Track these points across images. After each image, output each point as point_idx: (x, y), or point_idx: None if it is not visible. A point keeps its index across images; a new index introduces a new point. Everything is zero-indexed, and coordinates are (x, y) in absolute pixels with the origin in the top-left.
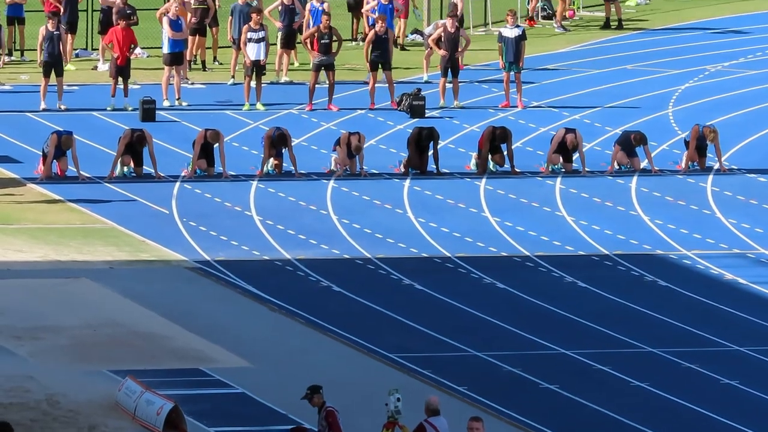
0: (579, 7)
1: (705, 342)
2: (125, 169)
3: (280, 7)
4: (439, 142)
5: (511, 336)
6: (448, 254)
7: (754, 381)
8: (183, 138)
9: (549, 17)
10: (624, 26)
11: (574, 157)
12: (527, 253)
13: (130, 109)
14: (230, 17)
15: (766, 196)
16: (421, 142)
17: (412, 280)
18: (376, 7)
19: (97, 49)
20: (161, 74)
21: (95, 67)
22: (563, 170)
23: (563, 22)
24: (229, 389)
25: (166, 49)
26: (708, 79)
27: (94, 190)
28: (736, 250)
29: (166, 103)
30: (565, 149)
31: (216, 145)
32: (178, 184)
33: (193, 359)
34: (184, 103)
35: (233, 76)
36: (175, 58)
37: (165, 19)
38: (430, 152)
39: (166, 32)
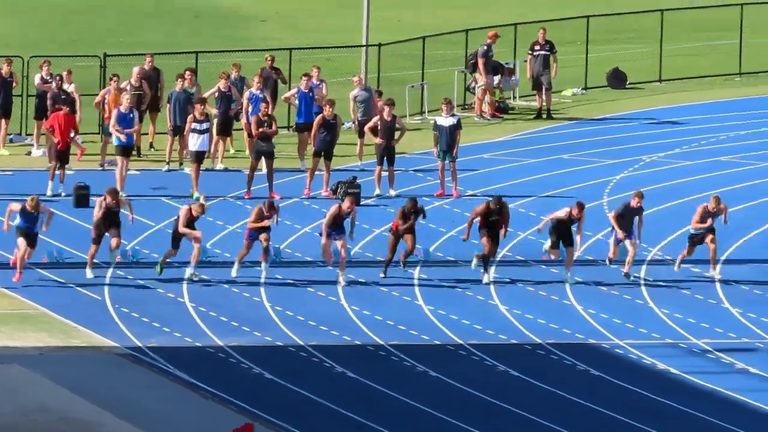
0: (515, 97)
1: (637, 431)
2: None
3: (216, 94)
4: (374, 229)
5: (443, 425)
6: (381, 342)
7: None
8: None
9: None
10: (554, 116)
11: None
12: (460, 342)
13: (63, 195)
14: (168, 104)
15: (698, 286)
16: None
17: (345, 368)
18: (296, 95)
19: (32, 134)
20: (95, 159)
21: (29, 153)
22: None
23: (484, 112)
24: None
25: (116, 141)
26: (643, 169)
27: (26, 276)
28: (669, 340)
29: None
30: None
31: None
32: (110, 270)
33: None
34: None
35: (168, 163)
36: (127, 150)
37: (114, 113)
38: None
39: (113, 129)
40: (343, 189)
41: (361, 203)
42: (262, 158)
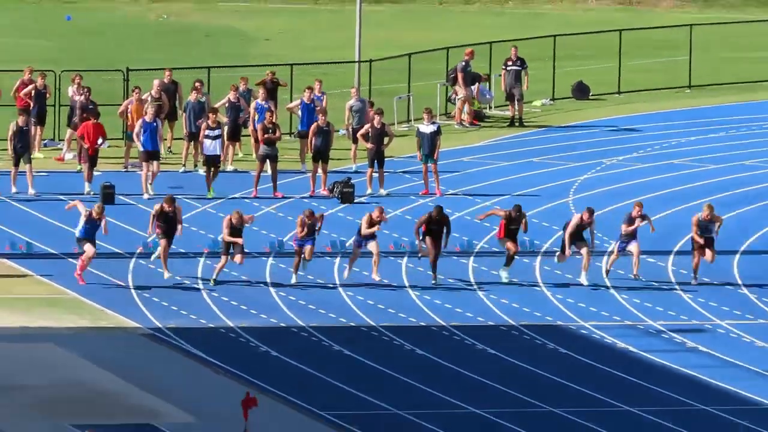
0: (491, 107)
1: (600, 403)
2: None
3: (226, 104)
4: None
5: (428, 396)
6: (374, 324)
7: None
8: (138, 219)
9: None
10: (526, 124)
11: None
12: (443, 323)
13: (92, 194)
14: (184, 113)
15: (653, 275)
16: (432, 225)
17: (342, 347)
18: (299, 106)
19: (63, 140)
20: (119, 161)
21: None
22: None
23: (463, 120)
24: None
25: (141, 147)
26: (604, 171)
27: (59, 264)
28: (628, 322)
29: (145, 196)
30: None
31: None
32: (133, 259)
33: (145, 415)
34: (150, 191)
35: (184, 165)
36: (150, 155)
37: (139, 122)
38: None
39: (136, 138)
40: (339, 188)
41: (355, 201)
42: (267, 161)
